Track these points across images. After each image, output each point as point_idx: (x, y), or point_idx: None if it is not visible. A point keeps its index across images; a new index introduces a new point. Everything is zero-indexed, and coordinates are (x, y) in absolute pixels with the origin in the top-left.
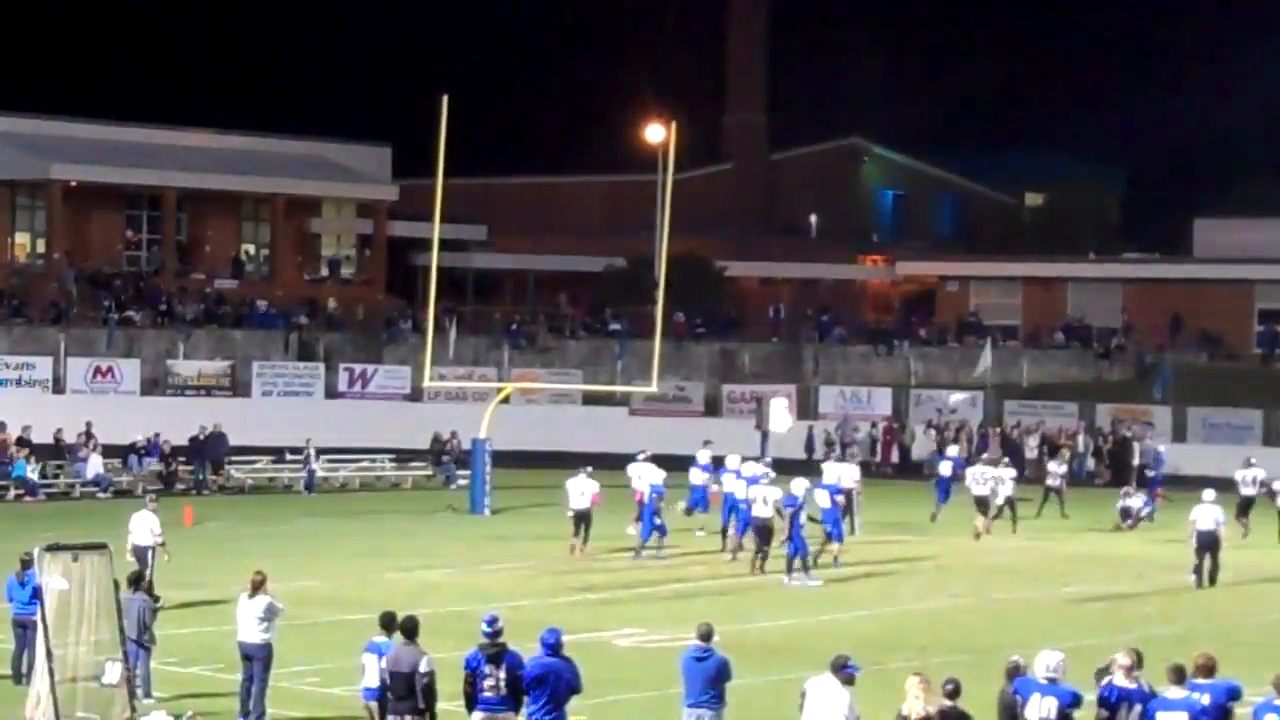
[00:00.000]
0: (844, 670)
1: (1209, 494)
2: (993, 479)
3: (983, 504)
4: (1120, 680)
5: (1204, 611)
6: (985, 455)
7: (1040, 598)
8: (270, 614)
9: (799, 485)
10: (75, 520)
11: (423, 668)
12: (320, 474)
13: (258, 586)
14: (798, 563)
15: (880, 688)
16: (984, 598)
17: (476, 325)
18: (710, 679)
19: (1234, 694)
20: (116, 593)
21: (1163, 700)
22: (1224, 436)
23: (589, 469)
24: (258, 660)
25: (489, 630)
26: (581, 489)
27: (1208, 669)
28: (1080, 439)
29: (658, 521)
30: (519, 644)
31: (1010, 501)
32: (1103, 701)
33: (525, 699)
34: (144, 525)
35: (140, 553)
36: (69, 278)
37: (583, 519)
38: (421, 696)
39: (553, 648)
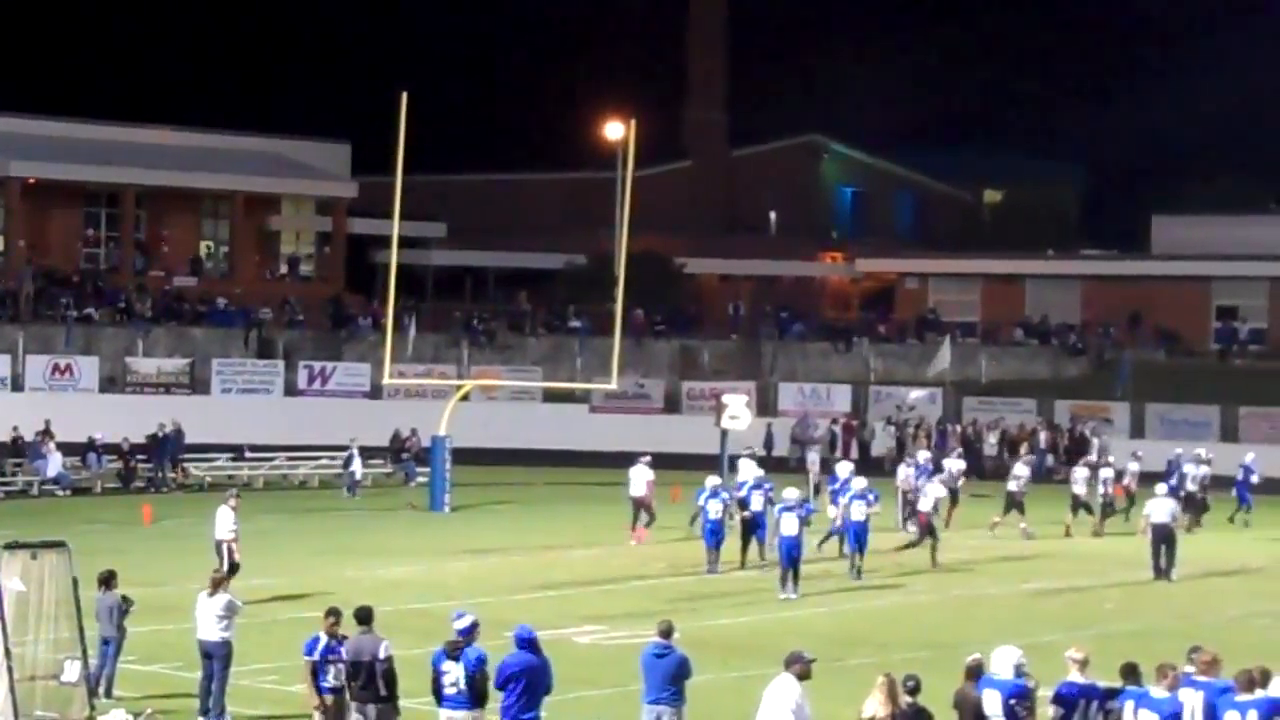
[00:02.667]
0: (797, 664)
1: (1161, 488)
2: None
3: (1082, 504)
4: (1076, 676)
5: (1163, 607)
6: (1088, 458)
7: (1000, 594)
8: (230, 612)
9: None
10: (34, 518)
11: (381, 654)
12: (357, 473)
13: (217, 585)
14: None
15: (840, 684)
16: (944, 594)
17: (436, 323)
18: (670, 676)
19: (1229, 693)
20: (76, 591)
21: (1147, 698)
22: (1181, 433)
23: (648, 458)
24: (217, 658)
25: (458, 629)
26: (638, 477)
27: (1211, 666)
28: (1040, 435)
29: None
30: (480, 641)
31: (1109, 501)
32: (1059, 699)
33: (502, 695)
34: (224, 520)
35: (219, 547)
36: (27, 275)
37: (640, 505)
38: (382, 683)
39: (528, 643)
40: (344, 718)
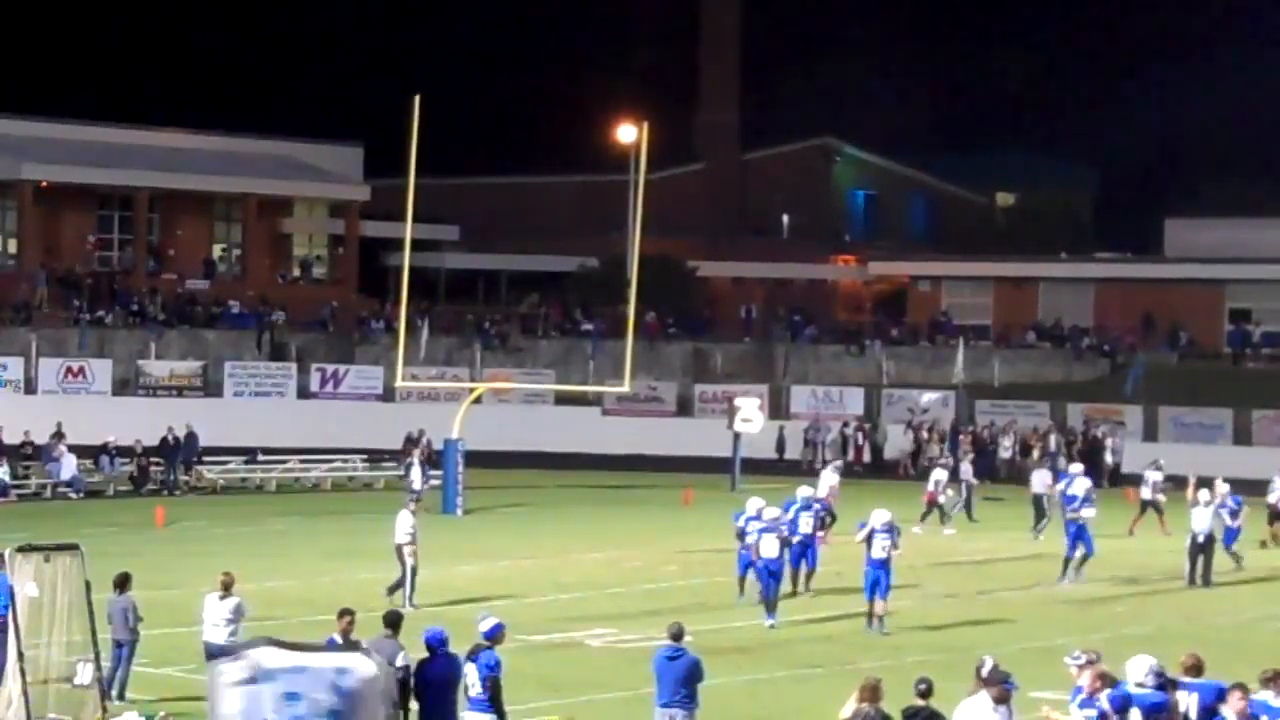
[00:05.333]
0: (995, 686)
1: (1205, 495)
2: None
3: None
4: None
5: (1176, 611)
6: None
7: (1012, 597)
8: (237, 615)
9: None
10: (47, 521)
11: (399, 662)
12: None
13: (228, 588)
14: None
15: (850, 687)
16: (957, 597)
17: (449, 325)
18: (682, 679)
19: (1222, 695)
20: (89, 594)
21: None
22: (1195, 436)
23: (839, 463)
24: None
25: (484, 631)
26: (824, 480)
27: (1196, 669)
28: (1052, 439)
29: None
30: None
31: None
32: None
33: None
34: (402, 525)
35: (399, 551)
36: (40, 279)
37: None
38: (395, 689)
39: (441, 644)
40: None
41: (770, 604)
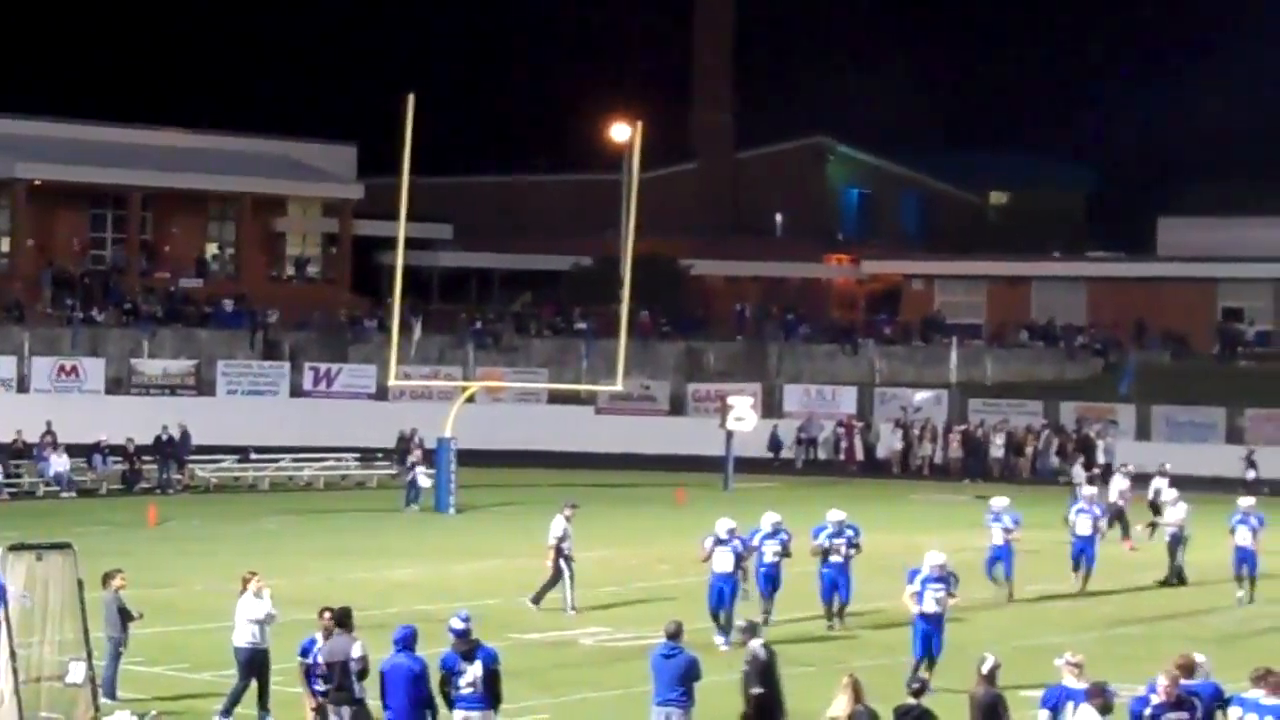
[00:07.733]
0: (1099, 697)
1: (1171, 494)
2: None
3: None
4: (1071, 681)
5: (1165, 610)
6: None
7: (1003, 596)
8: (263, 617)
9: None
10: (39, 520)
11: (354, 653)
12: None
13: (246, 584)
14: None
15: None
16: (953, 598)
17: (442, 324)
18: (678, 677)
19: (1220, 694)
20: (81, 593)
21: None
22: (1187, 434)
23: (1128, 467)
24: (240, 664)
25: (459, 629)
26: (1114, 486)
27: (1189, 668)
28: (1044, 437)
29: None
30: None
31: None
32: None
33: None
34: (555, 530)
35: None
36: (47, 279)
37: (1117, 516)
38: (357, 684)
39: (404, 643)
40: None
41: (721, 620)
